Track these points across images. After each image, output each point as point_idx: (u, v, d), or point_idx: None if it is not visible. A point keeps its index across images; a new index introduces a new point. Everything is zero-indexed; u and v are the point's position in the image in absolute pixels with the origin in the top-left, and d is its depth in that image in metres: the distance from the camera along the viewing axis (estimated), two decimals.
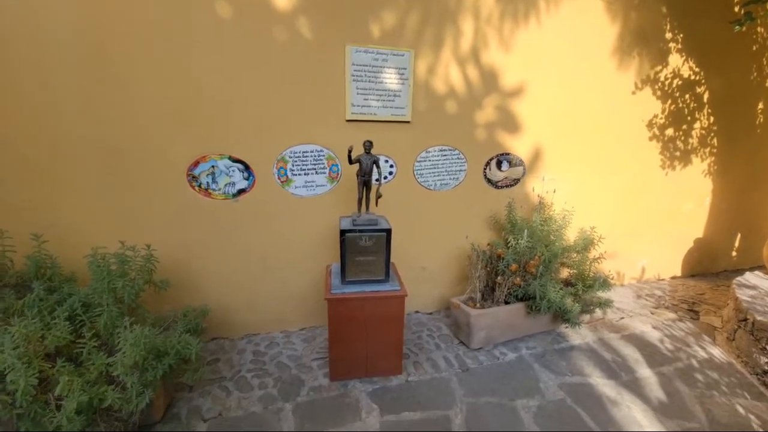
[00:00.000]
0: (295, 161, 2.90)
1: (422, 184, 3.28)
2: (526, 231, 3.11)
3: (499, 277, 3.07)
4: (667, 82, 3.80)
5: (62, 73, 2.35)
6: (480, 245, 3.19)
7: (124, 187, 2.61)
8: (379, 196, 2.60)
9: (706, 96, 4.01)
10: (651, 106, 3.82)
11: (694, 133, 4.10)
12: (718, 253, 4.80)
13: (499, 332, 3.09)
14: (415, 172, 3.23)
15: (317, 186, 3.00)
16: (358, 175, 2.56)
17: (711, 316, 3.63)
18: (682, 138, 4.07)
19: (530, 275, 3.07)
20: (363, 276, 2.56)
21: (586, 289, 3.23)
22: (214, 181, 2.76)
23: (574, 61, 3.38)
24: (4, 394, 1.63)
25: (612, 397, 2.56)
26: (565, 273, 3.55)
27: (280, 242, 3.03)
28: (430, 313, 3.62)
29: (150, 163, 2.61)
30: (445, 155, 3.27)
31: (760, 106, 4.30)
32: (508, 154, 3.45)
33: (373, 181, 2.59)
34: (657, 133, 3.94)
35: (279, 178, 2.90)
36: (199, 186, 2.74)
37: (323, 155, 2.94)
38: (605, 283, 3.22)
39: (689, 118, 4.02)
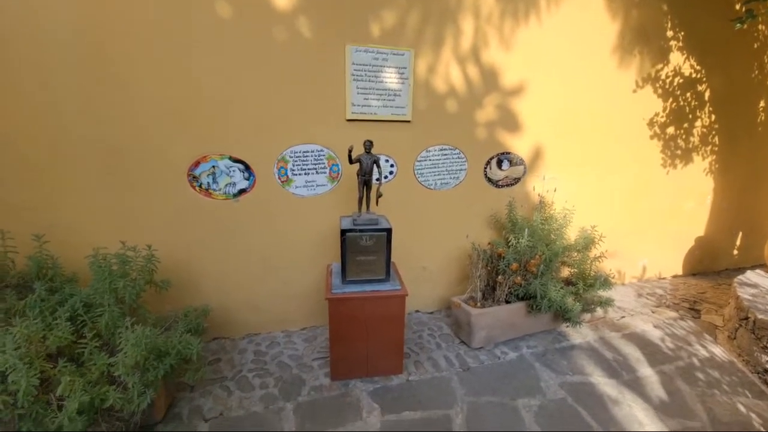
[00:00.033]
0: (296, 161, 2.90)
1: (423, 183, 3.28)
2: (526, 230, 3.11)
3: (499, 277, 3.06)
4: (668, 81, 3.78)
5: (62, 73, 2.35)
6: (481, 244, 3.18)
7: (124, 187, 2.61)
8: (379, 195, 2.60)
9: (707, 94, 3.99)
10: (652, 104, 3.81)
11: (695, 131, 4.09)
12: (719, 252, 4.79)
13: (499, 331, 3.09)
14: (416, 172, 3.23)
15: (318, 186, 3.00)
16: (358, 175, 2.55)
17: (712, 315, 3.62)
18: (683, 136, 4.06)
19: (531, 274, 3.07)
20: (364, 275, 2.57)
21: (587, 288, 3.23)
22: (214, 181, 2.76)
23: (575, 59, 3.37)
24: (6, 395, 1.63)
25: (613, 396, 2.56)
26: (565, 272, 3.54)
27: (281, 242, 3.03)
28: (431, 313, 3.62)
29: (150, 163, 2.61)
30: (445, 154, 3.27)
31: (762, 104, 4.29)
32: (508, 153, 3.45)
33: (374, 181, 2.59)
34: (658, 131, 3.93)
35: (279, 178, 2.90)
36: (200, 186, 2.74)
37: (323, 155, 2.94)
38: (606, 282, 3.22)
39: (690, 116, 4.00)
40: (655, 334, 3.31)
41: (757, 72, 4.13)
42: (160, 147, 2.60)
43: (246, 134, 2.75)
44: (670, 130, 3.97)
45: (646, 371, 2.83)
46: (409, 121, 3.06)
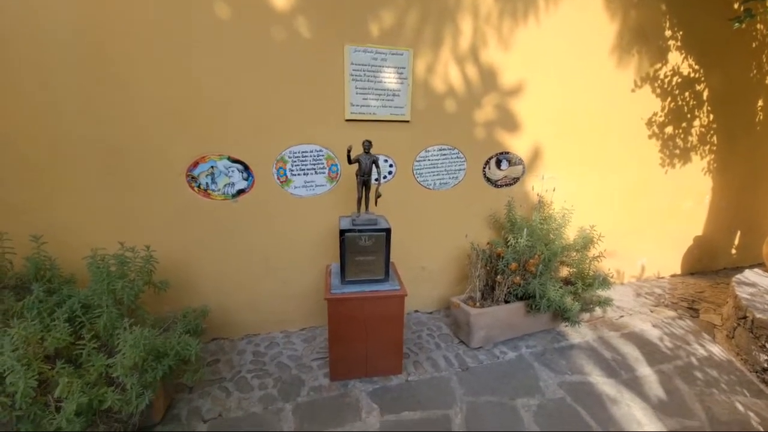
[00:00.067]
0: (295, 161, 2.89)
1: (421, 183, 3.28)
2: (525, 230, 3.11)
3: (498, 276, 3.07)
4: (666, 80, 3.79)
5: (62, 73, 2.35)
6: (479, 244, 3.19)
7: (123, 187, 2.60)
8: (378, 195, 2.60)
9: (705, 94, 4.00)
10: (650, 104, 3.81)
11: (693, 130, 4.10)
12: (717, 251, 4.80)
13: (498, 331, 3.09)
14: (415, 172, 3.23)
15: (317, 186, 3.00)
16: (357, 175, 2.55)
17: (711, 314, 3.63)
18: (682, 136, 4.07)
19: (530, 274, 3.07)
20: (363, 276, 2.56)
21: (585, 287, 3.23)
22: (213, 181, 2.76)
23: (574, 59, 3.37)
24: (4, 396, 1.63)
25: (612, 396, 2.57)
26: (564, 272, 3.55)
27: (280, 242, 3.02)
28: (430, 313, 3.62)
29: (150, 163, 2.61)
30: (444, 154, 3.27)
31: (760, 103, 4.30)
32: (507, 153, 3.45)
33: (373, 181, 2.59)
34: (656, 131, 3.93)
35: (278, 179, 2.89)
36: (199, 186, 2.73)
37: (322, 155, 2.94)
38: (605, 282, 3.23)
39: (689, 115, 4.01)
40: (653, 334, 3.32)
41: (755, 71, 4.14)
42: (159, 147, 2.60)
43: (245, 134, 2.74)
44: (669, 129, 3.98)
45: (645, 370, 2.83)
46: (408, 121, 3.06)
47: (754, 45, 4.05)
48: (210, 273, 2.92)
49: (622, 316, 3.60)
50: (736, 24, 3.25)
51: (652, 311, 3.72)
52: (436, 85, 3.05)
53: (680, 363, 2.93)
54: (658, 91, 3.79)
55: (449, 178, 3.35)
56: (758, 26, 4.00)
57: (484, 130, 3.31)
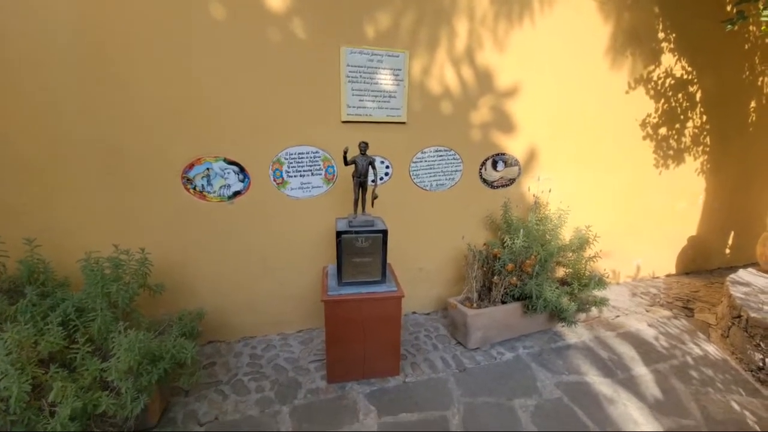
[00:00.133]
0: (291, 163, 2.89)
1: (418, 184, 3.28)
2: (521, 231, 3.12)
3: (495, 277, 3.07)
4: (660, 82, 3.82)
5: (62, 73, 2.33)
6: (476, 245, 3.19)
7: (122, 188, 2.59)
8: (375, 197, 2.60)
9: (698, 95, 4.04)
10: (644, 105, 3.85)
11: (687, 132, 4.13)
12: (711, 251, 4.84)
13: (495, 332, 3.10)
14: (411, 173, 3.23)
15: (313, 187, 2.99)
16: (353, 177, 2.55)
17: (705, 314, 3.66)
18: (675, 137, 4.10)
19: (526, 275, 3.08)
20: (359, 277, 2.56)
21: (581, 287, 3.25)
22: (209, 183, 2.74)
23: (568, 61, 3.40)
24: None
25: (608, 395, 2.58)
26: (561, 272, 3.56)
27: (277, 244, 3.01)
28: (428, 314, 3.62)
29: (149, 163, 2.60)
30: (440, 156, 3.28)
31: (753, 104, 4.35)
32: (503, 154, 3.46)
33: (369, 183, 2.58)
34: (650, 132, 3.97)
35: (275, 180, 2.89)
36: (194, 188, 2.72)
37: (319, 157, 2.94)
38: (601, 282, 3.24)
39: (682, 117, 4.05)
40: (649, 333, 3.34)
41: (748, 73, 4.19)
42: (159, 147, 2.59)
43: (241, 136, 2.73)
44: (663, 130, 4.01)
45: (641, 370, 2.85)
46: (404, 123, 3.06)
47: (746, 47, 4.10)
48: (207, 274, 2.91)
49: (618, 316, 3.61)
50: (729, 26, 3.29)
51: (647, 311, 3.74)
52: (432, 86, 3.06)
53: (676, 362, 2.95)
54: (652, 92, 3.82)
55: (446, 179, 3.35)
56: (751, 28, 4.05)
57: (480, 132, 3.32)
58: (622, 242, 4.16)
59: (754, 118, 4.40)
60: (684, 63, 3.86)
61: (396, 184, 3.19)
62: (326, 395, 2.51)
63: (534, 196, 3.62)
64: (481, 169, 3.44)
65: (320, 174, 2.98)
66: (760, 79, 4.27)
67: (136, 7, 2.36)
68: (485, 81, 3.19)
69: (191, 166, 2.68)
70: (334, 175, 3.01)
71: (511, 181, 3.58)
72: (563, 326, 3.31)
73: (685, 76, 3.91)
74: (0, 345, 1.64)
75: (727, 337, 3.11)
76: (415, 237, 3.37)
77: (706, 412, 2.45)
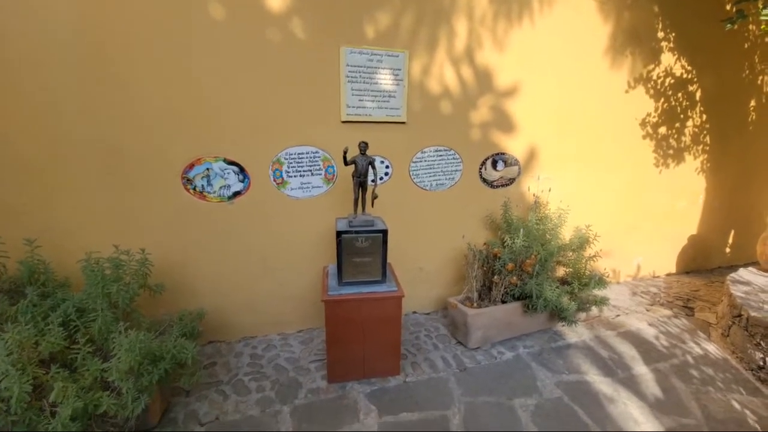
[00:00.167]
0: (291, 163, 2.89)
1: (418, 184, 3.28)
2: (522, 230, 3.12)
3: (495, 277, 3.07)
4: (659, 81, 3.82)
5: (62, 73, 2.34)
6: (476, 245, 3.19)
7: (121, 188, 2.59)
8: (374, 197, 2.60)
9: (698, 94, 4.04)
10: (644, 104, 3.85)
11: (686, 131, 4.13)
12: (712, 250, 4.84)
13: (496, 331, 3.10)
14: (411, 173, 3.23)
15: (313, 187, 2.99)
16: (353, 177, 2.55)
17: (706, 313, 3.66)
18: (675, 136, 4.10)
19: (526, 274, 3.08)
20: (360, 277, 2.56)
21: (582, 287, 3.25)
22: (209, 183, 2.75)
23: (568, 60, 3.40)
24: None
25: (609, 395, 2.58)
26: (561, 271, 3.56)
27: (277, 244, 3.02)
28: (428, 314, 3.62)
29: (149, 164, 2.60)
30: (440, 155, 3.28)
31: (752, 103, 4.35)
32: (503, 153, 3.46)
33: (369, 182, 2.59)
34: (650, 131, 3.97)
35: (274, 180, 2.89)
36: (194, 189, 2.72)
37: (319, 157, 2.94)
38: (601, 281, 3.24)
39: (682, 116, 4.05)
40: (649, 332, 3.34)
41: (747, 72, 4.19)
42: (159, 147, 2.59)
43: (241, 136, 2.73)
44: (662, 129, 4.01)
45: (641, 369, 2.85)
46: (404, 123, 3.06)
47: (746, 46, 4.10)
48: (207, 275, 2.91)
49: (618, 315, 3.61)
50: (729, 25, 3.28)
51: (647, 310, 3.74)
52: (431, 86, 3.06)
53: (676, 361, 2.95)
54: (652, 91, 3.82)
55: (446, 179, 3.35)
56: (750, 27, 4.05)
57: (479, 131, 3.32)
58: (623, 241, 4.16)
59: (753, 117, 4.40)
60: (684, 62, 3.86)
61: (396, 183, 3.19)
62: (327, 395, 2.52)
63: (534, 195, 3.62)
64: (481, 168, 3.44)
65: (320, 174, 2.98)
66: (760, 78, 4.27)
67: (136, 7, 2.36)
68: (485, 81, 3.19)
69: (191, 166, 2.68)
70: (334, 175, 3.01)
71: (511, 180, 3.58)
72: (563, 325, 3.31)
73: (684, 76, 3.91)
74: (1, 345, 1.64)
75: (728, 336, 3.11)
76: (415, 237, 3.37)
77: (707, 411, 2.46)
